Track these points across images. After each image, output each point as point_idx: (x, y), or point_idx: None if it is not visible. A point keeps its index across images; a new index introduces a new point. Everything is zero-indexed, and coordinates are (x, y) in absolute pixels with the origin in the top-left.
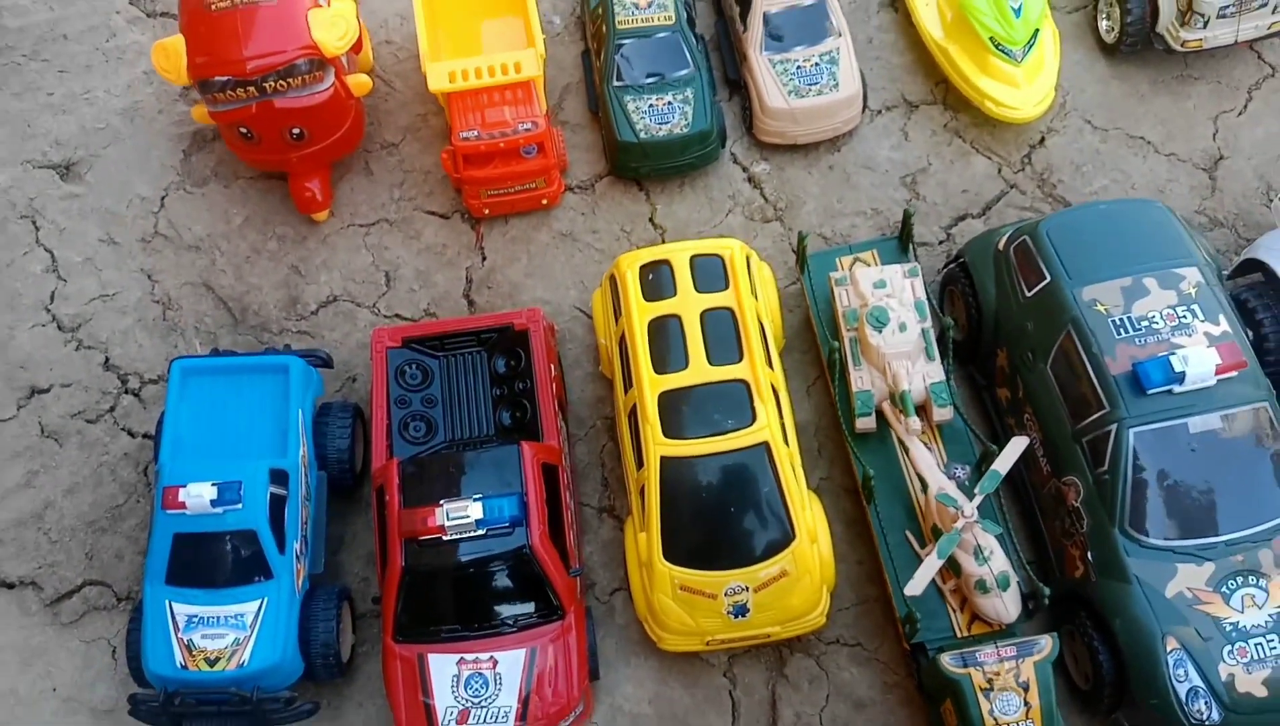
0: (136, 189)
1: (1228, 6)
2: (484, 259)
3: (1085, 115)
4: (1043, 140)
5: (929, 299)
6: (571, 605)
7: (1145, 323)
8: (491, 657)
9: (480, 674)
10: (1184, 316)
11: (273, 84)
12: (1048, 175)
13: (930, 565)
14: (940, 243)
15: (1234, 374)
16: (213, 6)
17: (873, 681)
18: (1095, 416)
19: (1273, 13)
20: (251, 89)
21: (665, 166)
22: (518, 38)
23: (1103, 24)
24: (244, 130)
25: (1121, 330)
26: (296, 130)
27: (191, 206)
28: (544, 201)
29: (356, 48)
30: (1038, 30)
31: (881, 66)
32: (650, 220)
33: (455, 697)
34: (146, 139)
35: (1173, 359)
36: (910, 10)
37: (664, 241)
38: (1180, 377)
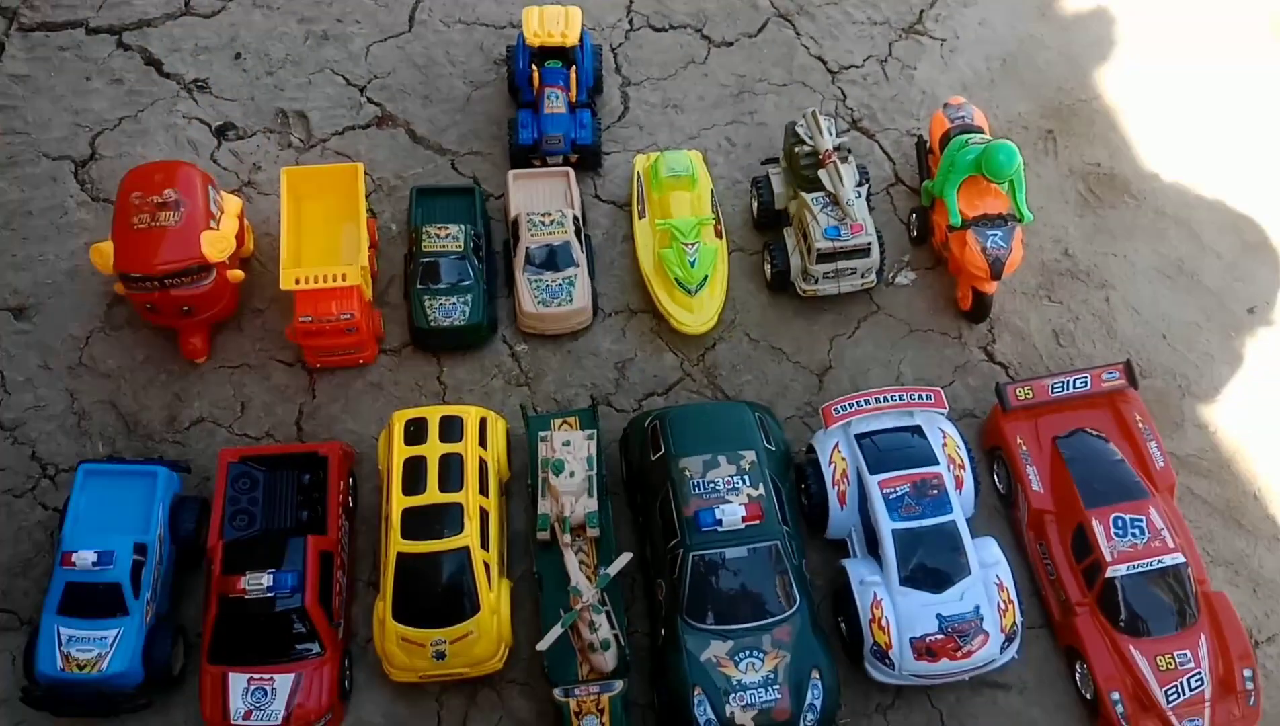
0: (69, 329)
1: (828, 273)
2: (314, 397)
3: (746, 330)
4: (714, 345)
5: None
6: (331, 646)
7: (711, 484)
8: (271, 677)
9: (262, 688)
10: (737, 483)
11: (172, 281)
12: (713, 370)
13: (554, 632)
14: (633, 409)
15: (757, 522)
16: (135, 226)
17: (533, 708)
18: (673, 542)
19: (861, 277)
20: (156, 283)
21: (447, 345)
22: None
23: (766, 268)
24: (149, 305)
25: (696, 488)
26: (186, 307)
27: (108, 346)
28: (360, 361)
29: (241, 241)
30: (707, 276)
31: (617, 283)
32: (438, 378)
33: (244, 702)
34: (81, 294)
35: (715, 510)
36: (635, 249)
37: (444, 396)
38: (719, 522)
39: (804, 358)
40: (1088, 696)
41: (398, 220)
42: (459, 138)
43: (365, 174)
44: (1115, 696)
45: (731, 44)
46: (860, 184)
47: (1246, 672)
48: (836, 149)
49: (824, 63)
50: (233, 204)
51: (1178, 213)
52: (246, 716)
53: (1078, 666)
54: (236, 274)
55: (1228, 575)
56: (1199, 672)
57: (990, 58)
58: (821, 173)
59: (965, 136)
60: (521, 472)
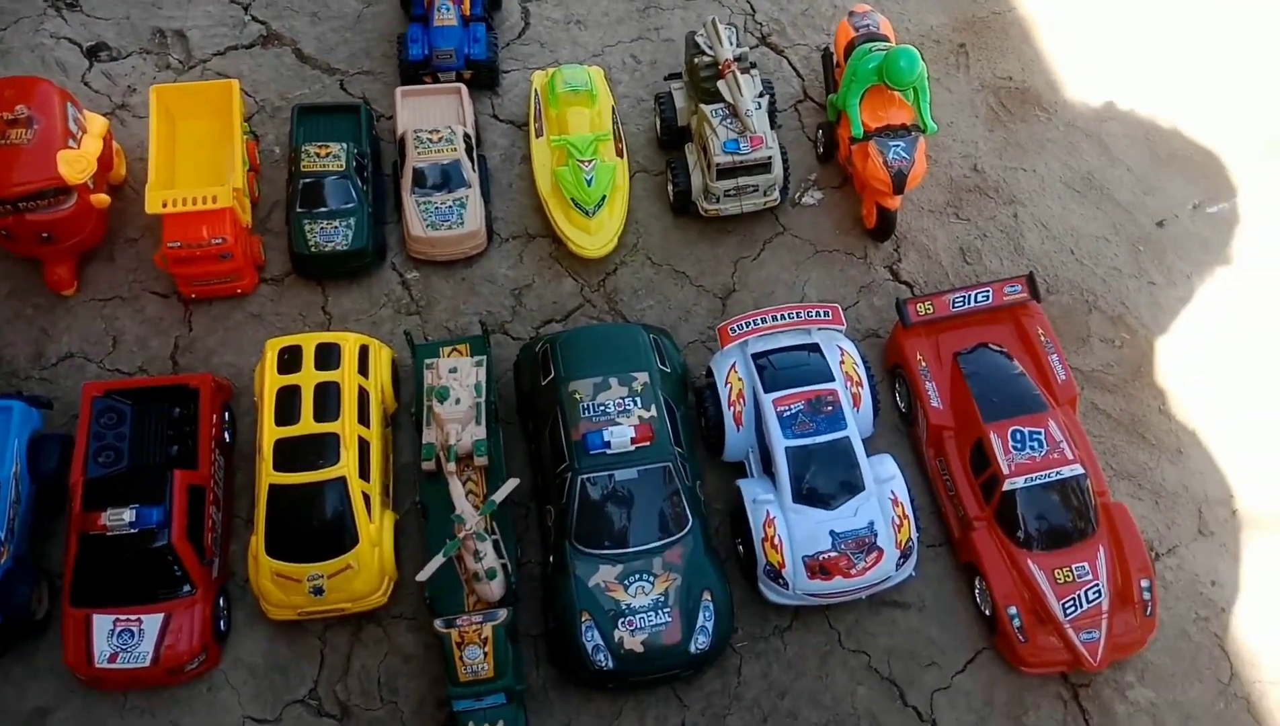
0: None
1: (730, 190)
2: (190, 330)
3: (648, 253)
4: (615, 270)
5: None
6: (203, 584)
7: (601, 407)
8: (139, 618)
9: (130, 629)
10: (629, 404)
11: (26, 204)
12: (614, 295)
13: (436, 561)
14: (530, 338)
15: (647, 443)
16: None
17: (419, 642)
18: (562, 467)
19: (764, 195)
20: (9, 206)
21: (331, 272)
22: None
23: (669, 189)
24: (3, 232)
25: (585, 411)
26: (45, 234)
27: None
28: (239, 290)
29: (108, 166)
30: (605, 196)
31: (514, 207)
32: (322, 308)
33: (109, 645)
34: None
35: (604, 432)
36: (533, 170)
37: (330, 327)
38: (608, 444)
39: (707, 281)
40: (986, 613)
41: (281, 143)
42: (349, 56)
43: (246, 94)
44: (1012, 611)
45: None
46: (761, 95)
47: (1144, 583)
48: (738, 59)
49: None
50: (97, 124)
51: (1088, 126)
52: (112, 659)
53: (976, 583)
54: (101, 199)
55: (1130, 488)
56: (1097, 584)
57: None
58: (720, 84)
59: (869, 45)
60: (410, 405)
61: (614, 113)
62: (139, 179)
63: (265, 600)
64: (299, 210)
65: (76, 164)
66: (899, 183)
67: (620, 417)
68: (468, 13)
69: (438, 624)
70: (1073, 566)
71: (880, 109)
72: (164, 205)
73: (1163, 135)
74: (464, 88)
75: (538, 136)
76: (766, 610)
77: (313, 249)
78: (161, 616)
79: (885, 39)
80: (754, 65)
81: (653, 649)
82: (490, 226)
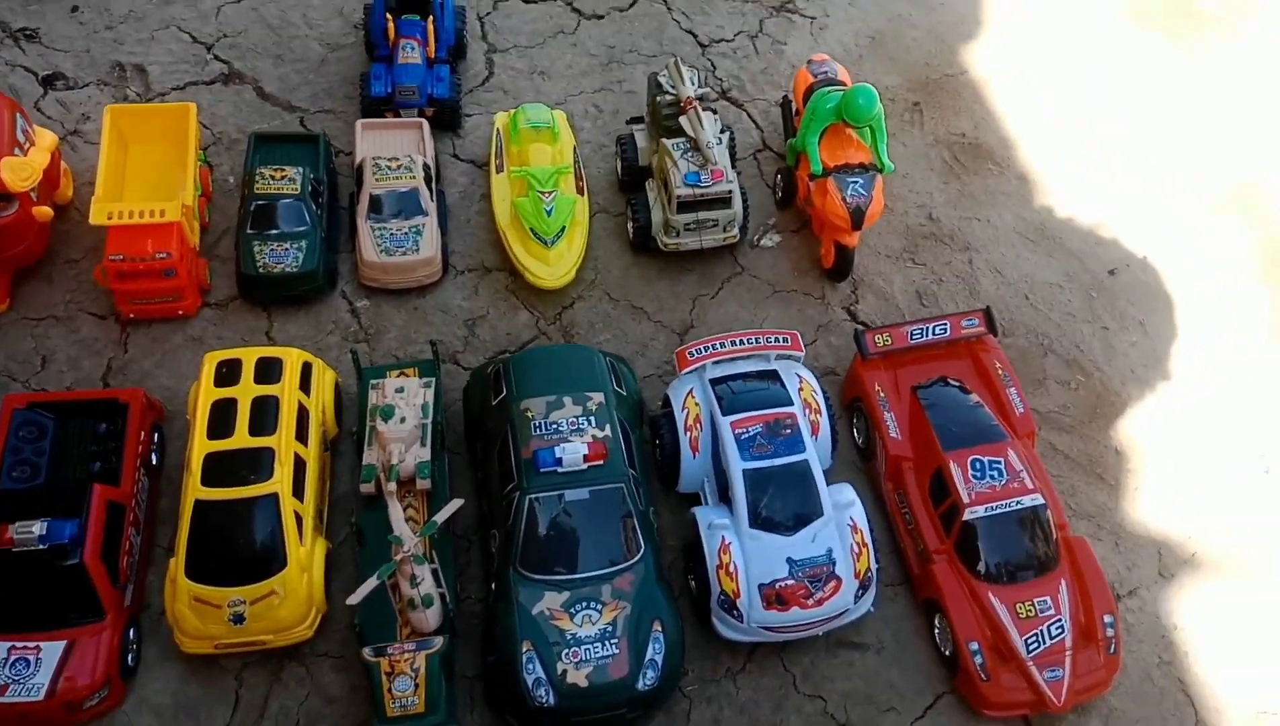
0: None
1: (689, 224)
2: (125, 351)
3: (606, 289)
4: (573, 303)
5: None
6: (113, 611)
7: (554, 425)
8: (37, 645)
9: (25, 658)
10: (582, 424)
11: None
12: (571, 328)
13: (369, 583)
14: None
15: (600, 463)
16: None
17: (345, 683)
18: (510, 487)
19: (723, 230)
20: None
21: (278, 295)
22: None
23: (629, 226)
24: None
25: (537, 429)
26: None
27: None
28: (180, 311)
29: (54, 184)
30: (564, 227)
31: (472, 241)
32: (266, 333)
33: (1, 675)
34: None
35: (556, 449)
36: (492, 206)
37: None
38: (559, 461)
39: (666, 316)
40: (946, 653)
41: (236, 173)
42: (310, 96)
43: (203, 126)
44: (974, 646)
45: (602, 17)
46: (722, 131)
47: (1107, 619)
48: (700, 98)
49: (695, 36)
50: (46, 138)
51: (1039, 180)
52: (1, 691)
53: (936, 620)
54: (44, 211)
55: (1090, 528)
56: (1059, 620)
57: (860, 35)
58: (683, 119)
59: (828, 88)
60: (352, 433)
61: (575, 152)
62: (85, 203)
63: (180, 629)
64: (249, 231)
65: (20, 171)
66: (857, 218)
67: (572, 436)
68: (432, 55)
69: (366, 651)
70: (1035, 600)
71: (839, 148)
72: (109, 216)
73: (1112, 189)
74: (425, 122)
75: (498, 172)
76: (719, 650)
77: (260, 270)
78: (63, 644)
79: (843, 85)
80: (715, 109)
81: (598, 683)
82: (446, 258)
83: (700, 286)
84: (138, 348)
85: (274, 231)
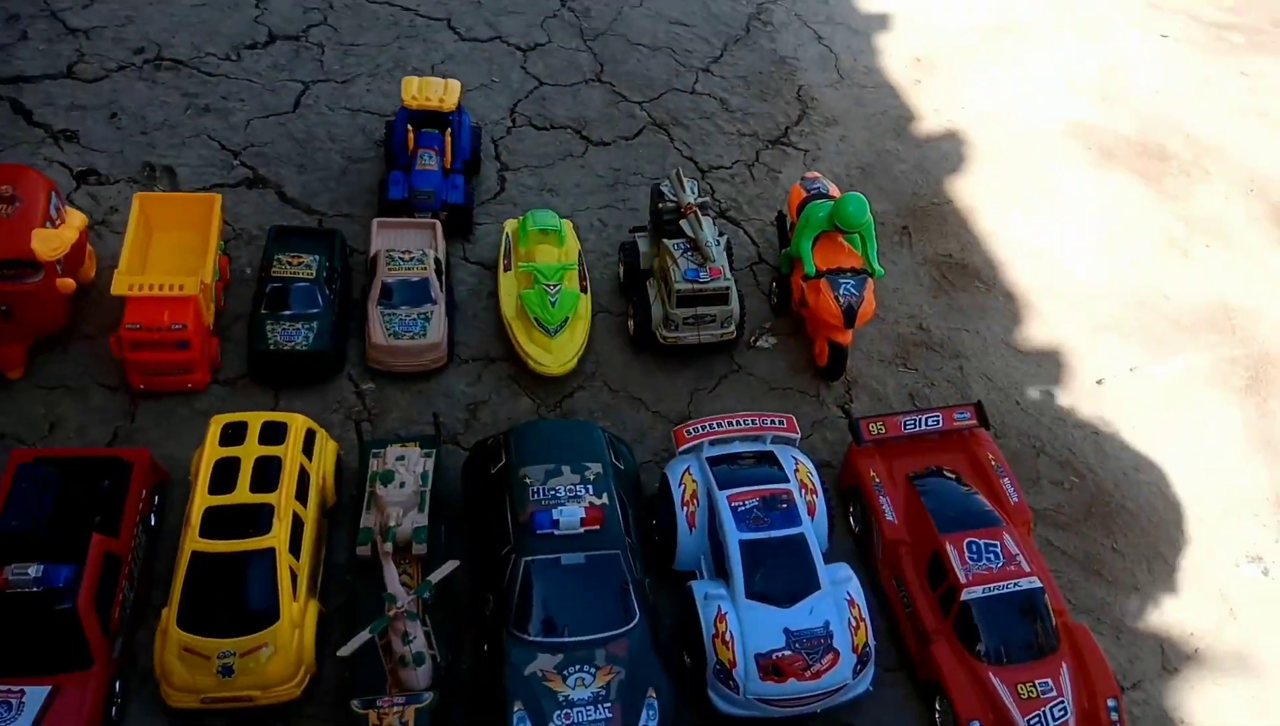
0: None
1: (689, 318)
2: (133, 421)
3: (606, 380)
4: (573, 392)
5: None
6: (101, 660)
7: (551, 491)
8: (21, 689)
9: (8, 701)
10: (580, 491)
11: None
12: (571, 416)
13: (361, 636)
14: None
15: (596, 527)
16: None
17: None
18: (506, 549)
19: (721, 327)
20: None
21: (288, 374)
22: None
23: (629, 323)
24: None
25: (535, 494)
26: (4, 307)
27: None
28: (189, 384)
29: (79, 262)
30: (568, 317)
31: (478, 333)
32: (273, 410)
33: None
34: None
35: (553, 512)
36: (499, 301)
37: None
38: (556, 524)
39: (664, 407)
40: None
41: (253, 265)
42: (330, 201)
43: (225, 222)
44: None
45: (609, 144)
46: (721, 234)
47: (1111, 703)
48: (700, 205)
49: (695, 162)
50: (76, 217)
51: (1025, 296)
52: None
53: (937, 703)
54: (67, 283)
55: (1090, 623)
56: (1062, 702)
57: (850, 166)
58: (683, 222)
59: (821, 201)
60: (351, 505)
61: (580, 255)
62: (107, 284)
63: (167, 681)
64: (263, 312)
65: (50, 241)
66: (849, 316)
67: (570, 502)
68: (449, 166)
69: (355, 703)
70: (1036, 682)
71: (831, 254)
72: (130, 287)
73: (1097, 305)
74: (438, 223)
75: (506, 271)
76: None
77: (271, 347)
78: (48, 689)
79: (834, 198)
80: (713, 215)
81: None
82: (452, 346)
83: (698, 381)
84: (145, 418)
85: (287, 312)
